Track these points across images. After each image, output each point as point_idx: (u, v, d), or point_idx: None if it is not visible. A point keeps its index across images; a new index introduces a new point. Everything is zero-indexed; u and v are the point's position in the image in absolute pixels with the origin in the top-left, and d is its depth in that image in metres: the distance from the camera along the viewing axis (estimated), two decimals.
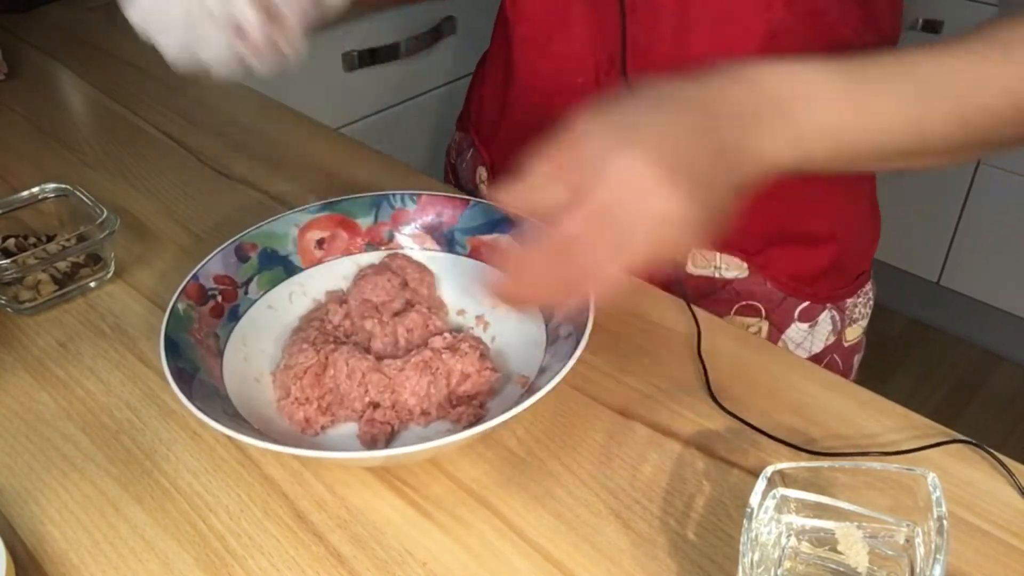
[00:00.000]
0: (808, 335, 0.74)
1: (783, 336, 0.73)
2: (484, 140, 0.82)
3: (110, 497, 0.52)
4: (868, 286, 0.77)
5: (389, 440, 0.55)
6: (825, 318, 0.74)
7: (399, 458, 0.52)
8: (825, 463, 0.44)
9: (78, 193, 0.70)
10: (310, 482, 0.53)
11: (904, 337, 2.08)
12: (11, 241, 0.68)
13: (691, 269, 0.71)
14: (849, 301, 0.75)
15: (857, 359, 0.80)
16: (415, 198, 0.67)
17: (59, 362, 0.62)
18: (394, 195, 0.67)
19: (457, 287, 0.65)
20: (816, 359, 0.75)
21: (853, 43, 0.63)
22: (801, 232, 0.70)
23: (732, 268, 0.71)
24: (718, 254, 0.70)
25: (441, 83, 1.63)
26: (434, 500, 0.51)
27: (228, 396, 0.54)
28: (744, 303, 0.72)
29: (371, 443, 0.55)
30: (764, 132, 0.43)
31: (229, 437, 0.51)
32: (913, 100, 0.45)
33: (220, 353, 0.57)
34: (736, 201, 0.44)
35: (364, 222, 0.67)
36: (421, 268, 0.65)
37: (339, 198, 0.66)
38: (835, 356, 0.76)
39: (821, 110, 0.44)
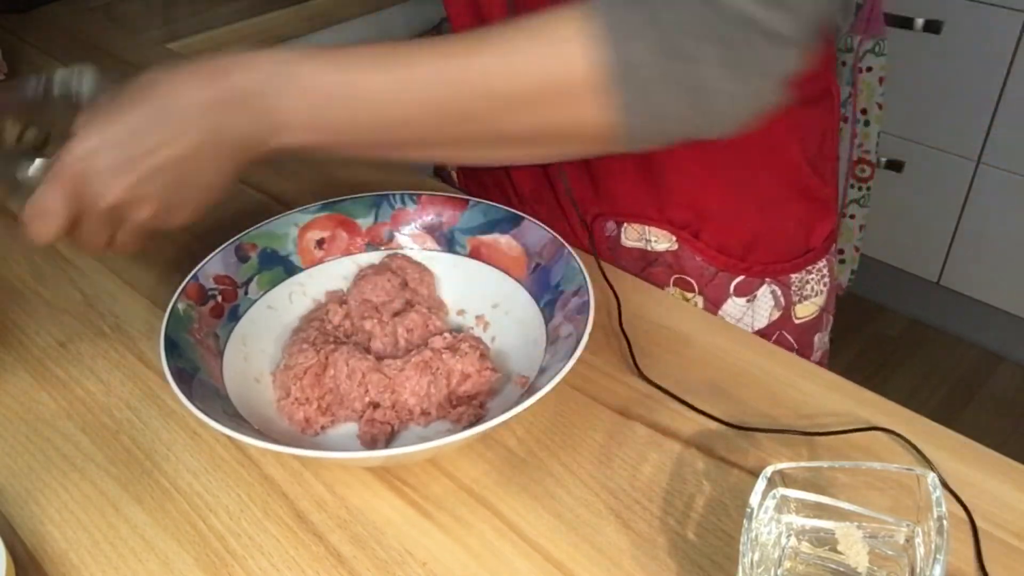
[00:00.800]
0: (747, 310, 0.73)
1: (720, 310, 0.73)
2: None
3: (110, 497, 0.52)
4: (822, 263, 0.76)
5: (389, 440, 0.55)
6: (765, 293, 0.73)
7: (399, 458, 0.52)
8: (825, 463, 0.44)
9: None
10: (310, 482, 0.53)
11: (904, 337, 2.08)
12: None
13: (625, 242, 0.73)
14: (795, 276, 0.74)
15: (819, 338, 0.79)
16: (415, 198, 0.67)
17: (59, 362, 0.62)
18: (394, 195, 0.67)
19: (457, 287, 0.65)
20: (762, 335, 0.74)
21: None
22: (723, 205, 0.71)
23: (662, 241, 0.72)
24: (647, 227, 0.71)
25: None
26: (434, 500, 0.51)
27: (228, 396, 0.54)
28: (678, 275, 0.73)
29: (371, 443, 0.55)
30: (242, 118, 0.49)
31: (229, 437, 0.51)
32: (393, 79, 0.48)
33: (220, 353, 0.57)
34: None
35: (364, 222, 0.67)
36: (421, 268, 0.65)
37: (339, 198, 0.66)
38: (783, 332, 0.76)
39: (304, 90, 0.48)
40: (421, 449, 0.47)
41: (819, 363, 0.79)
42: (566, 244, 0.60)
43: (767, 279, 0.73)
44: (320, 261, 0.65)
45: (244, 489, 0.53)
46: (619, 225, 0.73)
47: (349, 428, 0.56)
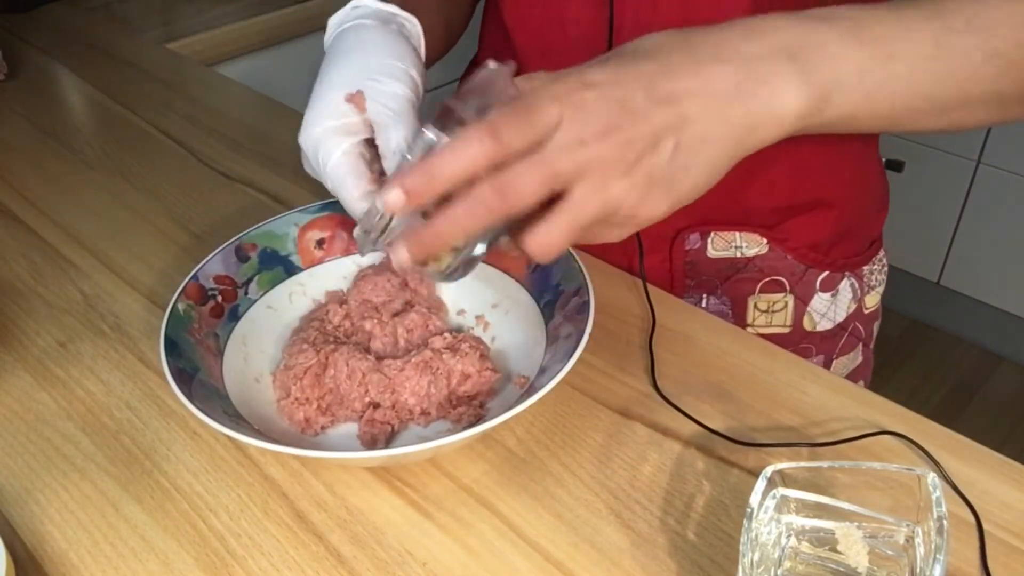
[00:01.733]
0: (831, 305, 0.75)
1: (808, 308, 0.74)
2: None
3: (110, 497, 0.52)
4: (881, 253, 0.79)
5: (389, 440, 0.55)
6: (845, 286, 0.75)
7: (399, 458, 0.52)
8: (825, 463, 0.44)
9: None
10: (310, 482, 0.53)
11: (904, 337, 2.08)
12: None
13: (711, 253, 0.72)
14: (865, 268, 0.77)
15: (876, 326, 0.81)
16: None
17: (59, 362, 0.62)
18: None
19: (457, 287, 0.65)
20: (842, 327, 0.76)
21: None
22: (813, 200, 0.71)
23: (752, 245, 0.72)
24: (737, 233, 0.71)
25: (441, 83, 1.63)
26: (434, 500, 0.51)
27: (228, 396, 0.54)
28: (768, 279, 0.73)
29: (371, 443, 0.55)
30: (770, 76, 0.42)
31: (229, 437, 0.51)
32: (939, 33, 0.44)
33: (220, 353, 0.57)
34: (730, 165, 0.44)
35: None
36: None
37: None
38: (857, 324, 0.78)
39: (830, 51, 0.43)
40: (421, 449, 0.47)
41: (871, 350, 0.81)
42: None
43: (847, 272, 0.75)
44: (320, 261, 0.65)
45: (244, 489, 0.53)
46: (704, 236, 0.72)
47: (349, 428, 0.56)
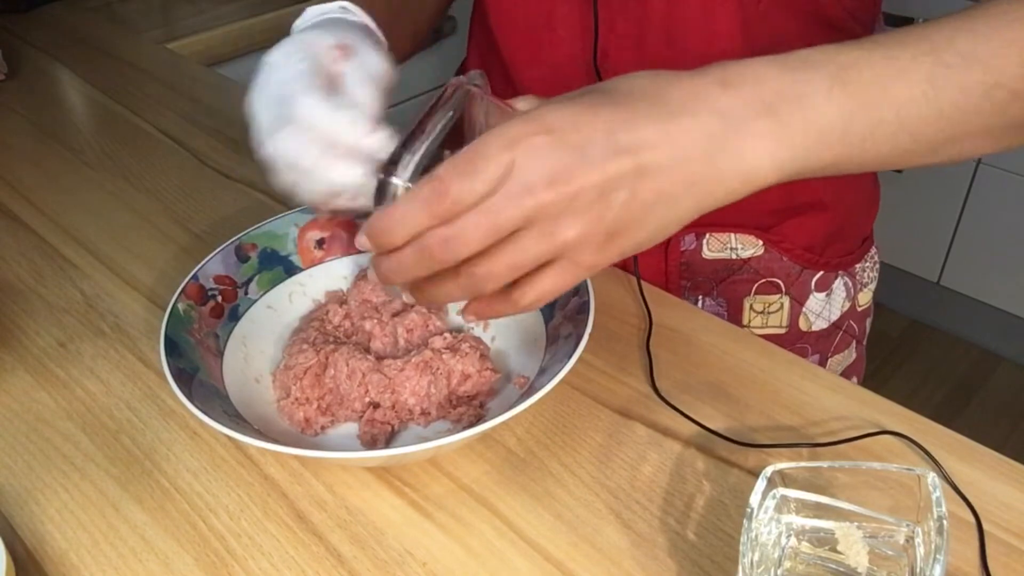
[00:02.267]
0: (826, 304, 0.75)
1: (804, 308, 0.74)
2: None
3: (110, 497, 0.52)
4: (873, 250, 0.79)
5: (389, 440, 0.55)
6: (839, 285, 0.75)
7: (399, 458, 0.52)
8: (825, 463, 0.44)
9: None
10: (310, 482, 0.53)
11: (904, 337, 2.08)
12: None
13: (707, 254, 0.72)
14: (858, 266, 0.77)
15: (868, 322, 0.82)
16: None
17: (59, 362, 0.62)
18: None
19: None
20: (836, 326, 0.76)
21: (832, 12, 0.63)
22: (808, 202, 0.71)
23: (748, 247, 0.72)
24: (732, 235, 0.71)
25: (441, 83, 1.63)
26: (434, 500, 0.51)
27: (228, 396, 0.54)
28: (764, 280, 0.73)
29: (371, 443, 0.55)
30: (744, 132, 0.40)
31: (229, 437, 0.51)
32: (933, 71, 0.42)
33: (220, 353, 0.57)
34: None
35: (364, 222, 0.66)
36: None
37: None
38: (851, 321, 0.78)
39: (810, 102, 0.41)
40: (421, 449, 0.47)
41: (863, 347, 0.82)
42: None
43: (840, 272, 0.75)
44: (320, 261, 0.65)
45: (244, 489, 0.53)
46: (700, 237, 0.72)
47: (349, 428, 0.56)
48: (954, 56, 0.41)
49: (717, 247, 0.72)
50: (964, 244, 1.93)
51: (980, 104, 0.42)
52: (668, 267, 0.73)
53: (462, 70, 0.84)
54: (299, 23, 0.56)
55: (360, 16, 0.56)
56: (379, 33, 0.57)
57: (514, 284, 0.43)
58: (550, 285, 0.42)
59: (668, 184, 0.40)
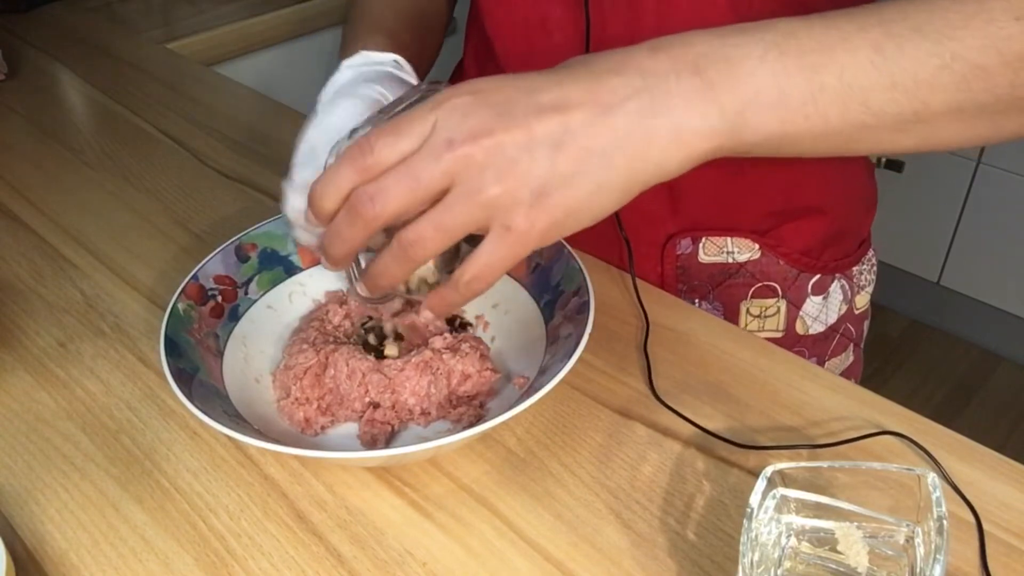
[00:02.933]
0: (823, 307, 0.75)
1: (800, 312, 0.74)
2: None
3: (110, 497, 0.52)
4: (870, 252, 0.79)
5: (389, 440, 0.55)
6: (836, 288, 0.75)
7: (399, 458, 0.52)
8: (825, 463, 0.44)
9: None
10: (310, 482, 0.53)
11: (904, 337, 2.08)
12: None
13: (703, 258, 0.72)
14: (855, 269, 0.77)
15: (866, 325, 0.82)
16: None
17: (59, 362, 0.62)
18: None
19: None
20: (833, 330, 0.76)
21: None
22: (805, 206, 0.71)
23: (744, 250, 0.72)
24: (728, 238, 0.71)
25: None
26: (434, 500, 0.51)
27: (228, 396, 0.54)
28: (760, 284, 0.73)
29: (371, 443, 0.55)
30: (672, 91, 0.40)
31: (229, 437, 0.51)
32: (880, 40, 0.39)
33: (220, 353, 0.57)
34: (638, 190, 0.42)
35: None
36: None
37: None
38: (848, 324, 0.78)
39: (754, 71, 0.40)
40: (421, 449, 0.47)
41: (861, 350, 0.82)
42: (566, 244, 0.60)
43: (837, 274, 0.75)
44: (320, 261, 0.65)
45: (244, 489, 0.53)
46: (696, 241, 0.72)
47: (349, 428, 0.56)
48: (904, 28, 0.39)
49: (713, 251, 0.72)
50: (964, 244, 1.93)
51: (938, 76, 0.39)
52: (664, 271, 0.73)
53: (458, 71, 0.84)
54: (351, 62, 0.59)
55: (408, 73, 0.59)
56: (409, 68, 0.61)
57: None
58: (486, 257, 0.42)
59: (594, 141, 0.40)
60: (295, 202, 0.53)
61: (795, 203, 0.71)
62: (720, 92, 0.40)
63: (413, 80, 0.60)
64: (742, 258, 0.72)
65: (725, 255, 0.72)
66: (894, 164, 1.90)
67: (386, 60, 0.59)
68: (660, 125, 0.40)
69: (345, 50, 0.62)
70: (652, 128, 0.40)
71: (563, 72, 0.41)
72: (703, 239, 0.71)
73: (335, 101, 0.54)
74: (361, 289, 0.47)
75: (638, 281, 0.66)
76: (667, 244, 0.72)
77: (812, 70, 0.40)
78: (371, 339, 0.59)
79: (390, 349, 0.57)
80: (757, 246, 0.71)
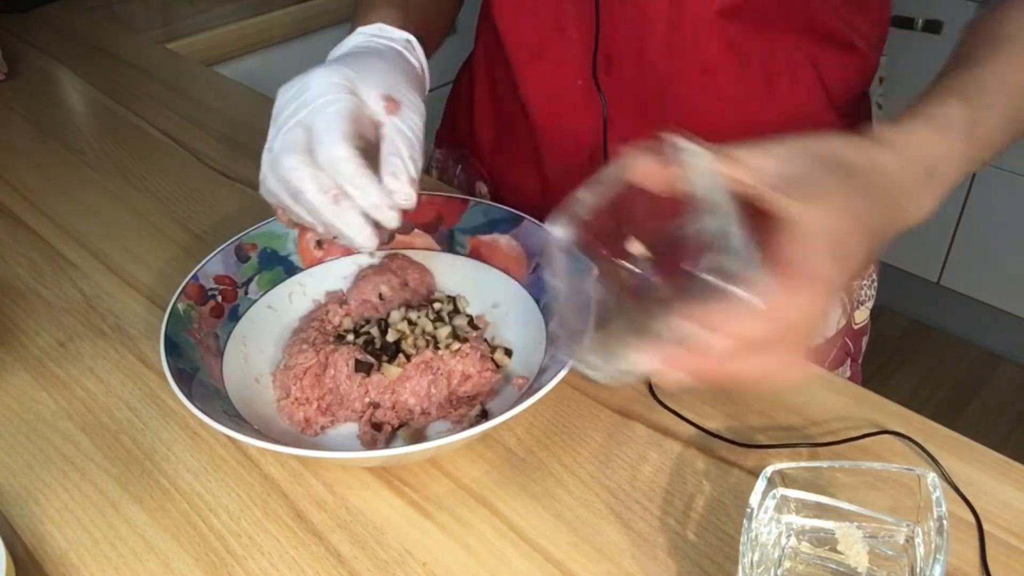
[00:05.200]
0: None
1: None
2: (479, 155, 0.82)
3: (110, 497, 0.52)
4: (871, 268, 0.78)
5: (389, 440, 0.55)
6: (835, 301, 0.75)
7: (399, 458, 0.52)
8: (825, 463, 0.44)
9: None
10: (310, 482, 0.53)
11: (904, 337, 2.08)
12: None
13: None
14: (855, 283, 0.77)
15: (864, 341, 0.81)
16: None
17: (59, 362, 0.62)
18: None
19: (457, 287, 0.65)
20: (831, 343, 0.76)
21: (831, 22, 0.64)
22: None
23: None
24: None
25: (441, 83, 1.63)
26: (434, 500, 0.51)
27: (228, 396, 0.54)
28: None
29: (371, 443, 0.54)
30: (914, 202, 0.45)
31: (229, 437, 0.51)
32: (1008, 107, 0.49)
33: (220, 353, 0.57)
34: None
35: None
36: (421, 268, 0.65)
37: None
38: (846, 339, 0.78)
39: (955, 162, 0.47)
40: (421, 449, 0.47)
41: (859, 365, 0.81)
42: None
43: None
44: (320, 261, 0.65)
45: (244, 489, 0.53)
46: None
47: (349, 428, 0.56)
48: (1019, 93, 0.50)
49: None
50: (964, 244, 1.93)
51: None
52: None
53: (468, 66, 0.84)
54: (365, 29, 0.59)
55: (417, 56, 0.59)
56: (420, 51, 0.60)
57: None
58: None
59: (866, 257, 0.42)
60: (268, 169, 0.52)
61: None
62: (943, 185, 0.46)
63: (416, 63, 0.59)
64: None
65: None
66: None
67: (399, 38, 0.59)
68: (909, 223, 0.45)
69: (359, 16, 0.62)
70: (903, 226, 0.45)
71: (874, 217, 0.42)
72: None
73: (312, 69, 0.53)
74: (602, 375, 0.43)
75: None
76: None
77: (989, 148, 0.49)
78: (375, 342, 0.59)
79: (390, 371, 0.56)
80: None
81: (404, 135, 0.51)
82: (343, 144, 0.48)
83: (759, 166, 0.40)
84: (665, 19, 0.62)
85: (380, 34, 0.59)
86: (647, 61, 0.64)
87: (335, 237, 0.51)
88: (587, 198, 0.43)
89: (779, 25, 0.62)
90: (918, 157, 0.45)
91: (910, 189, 0.45)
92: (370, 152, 0.51)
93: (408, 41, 0.59)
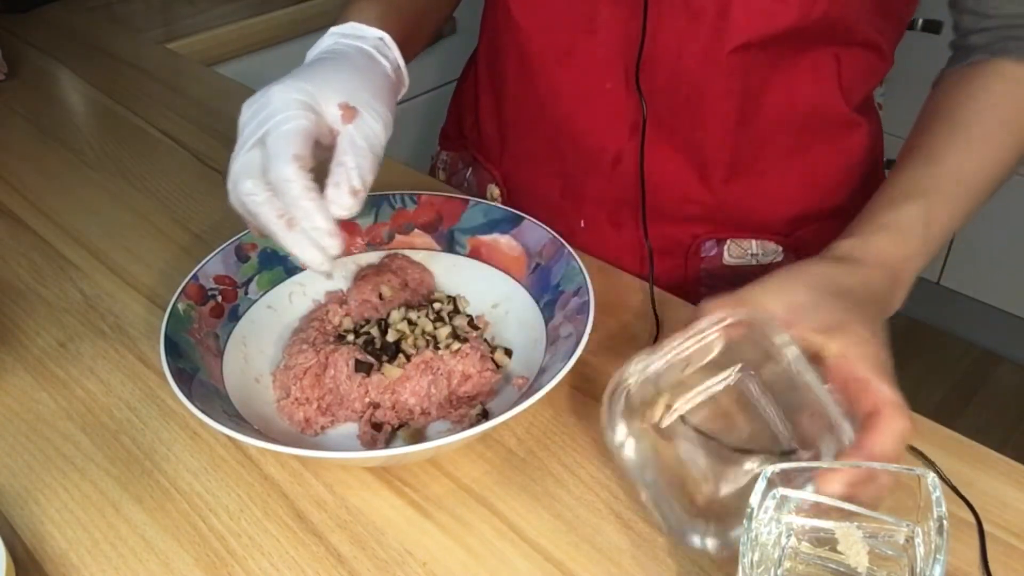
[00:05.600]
0: None
1: None
2: (490, 158, 0.81)
3: (110, 497, 0.52)
4: None
5: (389, 440, 0.55)
6: None
7: (399, 458, 0.52)
8: (824, 463, 0.44)
9: None
10: (310, 482, 0.53)
11: (904, 337, 2.08)
12: None
13: (727, 260, 0.72)
14: None
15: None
16: (415, 198, 0.67)
17: (59, 362, 0.62)
18: (394, 195, 0.67)
19: (457, 287, 0.65)
20: None
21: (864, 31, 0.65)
22: (827, 209, 0.71)
23: (768, 253, 0.72)
24: (753, 241, 0.71)
25: (441, 83, 1.63)
26: (434, 500, 0.51)
27: (228, 396, 0.54)
28: None
29: (371, 443, 0.55)
30: (891, 305, 0.55)
31: (229, 437, 0.51)
32: (962, 198, 0.57)
33: (220, 353, 0.57)
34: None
35: (364, 222, 0.67)
36: (421, 268, 0.65)
37: None
38: None
39: (914, 261, 0.54)
40: (421, 449, 0.47)
41: None
42: (566, 244, 0.60)
43: None
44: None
45: (244, 489, 0.53)
46: (720, 244, 0.72)
47: (349, 428, 0.56)
48: (994, 149, 0.58)
49: (738, 253, 0.72)
50: (964, 244, 1.93)
51: (1014, 161, 0.59)
52: (688, 273, 0.73)
53: (470, 67, 0.84)
54: (337, 29, 0.59)
55: (388, 54, 0.59)
56: (395, 50, 0.60)
57: None
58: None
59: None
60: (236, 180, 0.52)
61: (815, 206, 0.71)
62: (909, 282, 0.55)
63: (387, 62, 0.58)
64: (766, 260, 0.72)
65: (749, 257, 0.72)
66: (894, 164, 1.90)
67: (371, 36, 0.59)
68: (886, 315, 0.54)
69: (340, 15, 0.62)
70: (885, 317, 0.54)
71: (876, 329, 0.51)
72: (728, 241, 0.71)
73: (273, 83, 0.53)
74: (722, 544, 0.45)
75: (645, 282, 0.66)
76: (692, 245, 0.72)
77: (949, 232, 0.56)
78: (375, 342, 0.59)
79: (390, 371, 0.56)
80: (781, 249, 0.72)
81: (355, 144, 0.51)
82: (290, 166, 0.48)
83: (772, 311, 0.47)
84: (710, 23, 0.61)
85: (351, 33, 0.59)
86: (683, 67, 0.64)
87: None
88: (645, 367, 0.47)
89: (812, 36, 0.62)
90: (886, 266, 0.53)
91: (887, 294, 0.53)
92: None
93: (380, 39, 0.59)
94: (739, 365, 0.48)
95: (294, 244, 0.49)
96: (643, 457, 0.47)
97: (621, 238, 0.73)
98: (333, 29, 0.59)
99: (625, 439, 0.47)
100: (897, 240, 0.54)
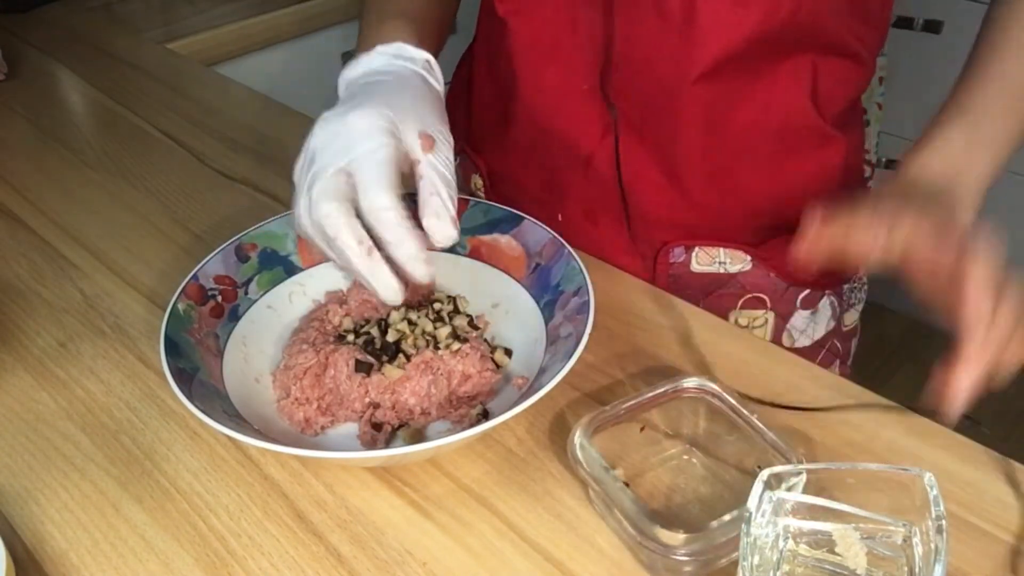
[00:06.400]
0: (810, 322, 0.75)
1: (788, 325, 0.74)
2: (478, 149, 0.82)
3: (110, 497, 0.52)
4: (861, 271, 0.79)
5: (389, 440, 0.55)
6: (825, 304, 0.75)
7: (399, 458, 0.52)
8: (822, 464, 0.44)
9: None
10: (310, 482, 0.53)
11: (904, 337, 2.08)
12: None
13: (695, 267, 0.72)
14: (846, 287, 0.77)
15: (854, 343, 0.82)
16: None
17: (59, 362, 0.63)
18: None
19: (457, 287, 0.65)
20: (819, 344, 0.76)
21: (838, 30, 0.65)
22: (798, 220, 0.71)
23: (736, 262, 0.72)
24: (722, 249, 0.71)
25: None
26: (434, 500, 0.51)
27: (228, 396, 0.54)
28: (749, 296, 0.73)
29: (371, 443, 0.55)
30: (966, 204, 0.62)
31: (229, 437, 0.51)
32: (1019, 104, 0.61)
33: (220, 353, 0.57)
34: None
35: None
36: None
37: None
38: (835, 341, 0.78)
39: (981, 163, 0.62)
40: (421, 449, 0.47)
41: (848, 367, 0.82)
42: (566, 244, 0.60)
43: (827, 291, 0.75)
44: (320, 261, 0.65)
45: (244, 489, 0.53)
46: (689, 251, 0.72)
47: (349, 428, 0.56)
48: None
49: (706, 260, 0.72)
50: None
51: None
52: (656, 279, 0.73)
53: (466, 59, 0.84)
54: (386, 49, 0.59)
55: (436, 76, 0.60)
56: (439, 72, 0.61)
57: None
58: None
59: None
60: (305, 209, 0.52)
61: (785, 217, 0.71)
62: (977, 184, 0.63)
63: (438, 86, 0.60)
64: (733, 269, 0.72)
65: (717, 265, 0.72)
66: (894, 164, 1.90)
67: (419, 59, 0.59)
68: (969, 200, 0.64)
69: (371, 28, 0.62)
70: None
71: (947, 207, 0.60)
72: (696, 248, 0.71)
73: (351, 107, 0.53)
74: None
75: (644, 282, 0.67)
76: (661, 251, 0.72)
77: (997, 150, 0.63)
78: (375, 342, 0.59)
79: (390, 371, 0.56)
80: (749, 258, 0.71)
81: (441, 173, 0.52)
82: (388, 194, 0.50)
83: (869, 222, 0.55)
84: (677, 28, 0.62)
85: (401, 55, 0.59)
86: (651, 70, 0.64)
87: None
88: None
89: (790, 43, 0.62)
90: (939, 174, 0.59)
91: (950, 184, 0.60)
92: (405, 185, 0.52)
93: (427, 62, 0.60)
94: (686, 445, 0.52)
95: (371, 272, 0.50)
96: (605, 506, 0.48)
97: (596, 235, 0.73)
98: (380, 48, 0.60)
99: (589, 487, 0.49)
100: (944, 154, 0.60)
